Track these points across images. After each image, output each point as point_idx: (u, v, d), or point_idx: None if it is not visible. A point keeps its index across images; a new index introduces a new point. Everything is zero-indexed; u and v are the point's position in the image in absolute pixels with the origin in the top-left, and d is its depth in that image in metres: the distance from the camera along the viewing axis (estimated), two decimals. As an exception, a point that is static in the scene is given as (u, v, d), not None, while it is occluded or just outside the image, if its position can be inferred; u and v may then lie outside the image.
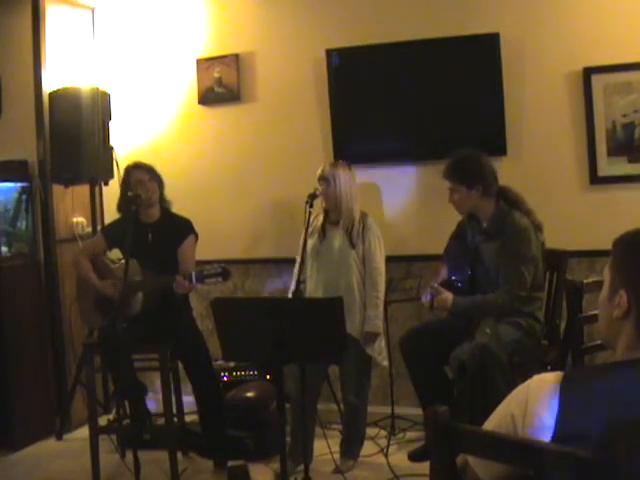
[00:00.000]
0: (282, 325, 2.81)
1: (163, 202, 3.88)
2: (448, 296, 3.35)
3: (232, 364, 4.22)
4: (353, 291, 3.65)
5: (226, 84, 4.63)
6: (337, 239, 3.73)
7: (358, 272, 3.70)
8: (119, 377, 3.79)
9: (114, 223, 4.00)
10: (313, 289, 3.75)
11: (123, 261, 3.67)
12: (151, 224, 3.80)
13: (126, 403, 3.87)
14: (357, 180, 3.85)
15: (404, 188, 4.35)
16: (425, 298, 3.44)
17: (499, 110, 4.07)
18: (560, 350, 3.40)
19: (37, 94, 4.39)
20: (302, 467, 3.18)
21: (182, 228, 3.83)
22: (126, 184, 3.82)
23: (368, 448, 3.82)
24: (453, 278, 3.49)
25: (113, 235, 3.86)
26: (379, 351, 3.71)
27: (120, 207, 3.88)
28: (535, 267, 3.33)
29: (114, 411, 4.21)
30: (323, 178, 3.72)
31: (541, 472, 1.28)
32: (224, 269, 3.48)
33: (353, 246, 3.70)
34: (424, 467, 3.23)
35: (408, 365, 3.53)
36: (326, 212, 3.81)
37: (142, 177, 3.78)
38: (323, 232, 3.78)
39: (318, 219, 3.82)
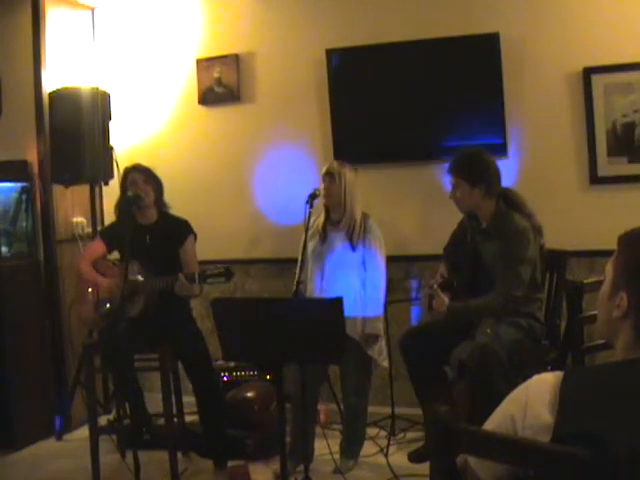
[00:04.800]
0: (282, 325, 2.81)
1: (161, 205, 3.87)
2: (444, 301, 3.35)
3: (232, 364, 4.22)
4: (354, 293, 3.65)
5: (226, 84, 4.63)
6: (338, 240, 3.73)
7: (359, 274, 3.69)
8: (120, 378, 3.79)
9: (111, 225, 4.01)
10: (314, 290, 3.75)
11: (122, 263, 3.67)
12: (149, 226, 3.79)
13: (126, 404, 3.87)
14: (357, 180, 3.85)
15: (404, 188, 4.35)
16: (423, 300, 3.45)
17: (499, 110, 4.08)
18: (560, 350, 3.40)
19: (37, 94, 4.39)
20: (302, 467, 3.18)
21: (180, 229, 3.83)
22: (123, 185, 3.82)
23: (368, 448, 3.82)
24: (451, 279, 3.49)
25: (111, 237, 3.85)
26: (379, 352, 3.70)
27: (117, 208, 3.87)
28: (532, 268, 3.32)
29: (114, 411, 4.21)
30: (329, 173, 3.71)
31: (541, 472, 1.28)
32: (227, 269, 3.48)
33: (354, 247, 3.69)
34: (424, 467, 3.24)
35: (408, 365, 3.53)
36: (327, 212, 3.80)
37: (136, 178, 3.78)
38: (324, 233, 3.77)
39: (319, 220, 3.81)
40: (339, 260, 3.70)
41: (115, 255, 3.98)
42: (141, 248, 3.63)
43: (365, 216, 3.75)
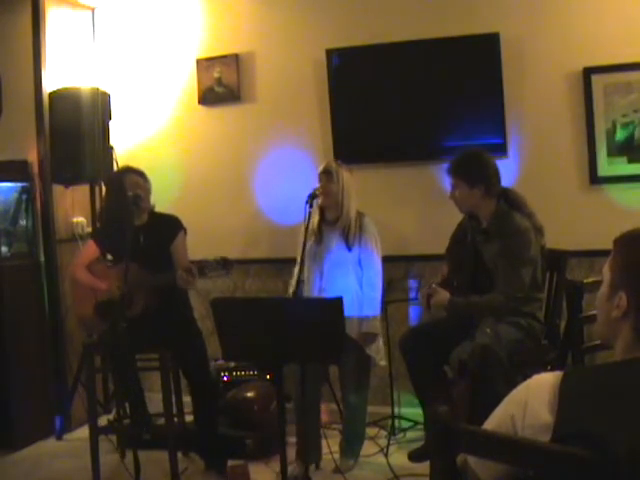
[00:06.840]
0: (282, 325, 2.81)
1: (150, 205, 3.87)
2: (445, 295, 3.35)
3: (232, 364, 4.22)
4: (350, 292, 3.64)
5: (226, 84, 4.63)
6: (334, 240, 3.72)
7: (355, 273, 3.69)
8: (120, 378, 3.78)
9: (102, 227, 3.99)
10: (312, 290, 3.74)
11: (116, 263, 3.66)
12: (141, 227, 3.76)
13: (126, 404, 3.86)
14: (357, 180, 3.85)
15: (404, 188, 4.35)
16: (422, 299, 3.45)
17: (499, 110, 4.08)
18: (560, 350, 3.40)
19: (37, 94, 4.39)
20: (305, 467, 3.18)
21: (172, 226, 3.82)
22: (120, 186, 3.74)
23: (368, 448, 3.82)
24: (451, 278, 3.50)
25: (103, 238, 3.84)
26: (377, 351, 3.70)
27: (109, 212, 3.83)
28: (534, 268, 3.32)
29: (114, 411, 4.21)
30: (326, 172, 3.71)
31: (541, 472, 1.28)
32: (225, 260, 3.48)
33: (350, 247, 3.69)
34: (424, 467, 3.24)
35: (408, 365, 3.53)
36: (322, 212, 3.79)
37: (138, 180, 3.77)
38: (320, 233, 3.77)
39: (314, 220, 3.80)
40: (336, 260, 3.70)
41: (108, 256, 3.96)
42: (136, 249, 3.61)
43: (360, 215, 3.74)
